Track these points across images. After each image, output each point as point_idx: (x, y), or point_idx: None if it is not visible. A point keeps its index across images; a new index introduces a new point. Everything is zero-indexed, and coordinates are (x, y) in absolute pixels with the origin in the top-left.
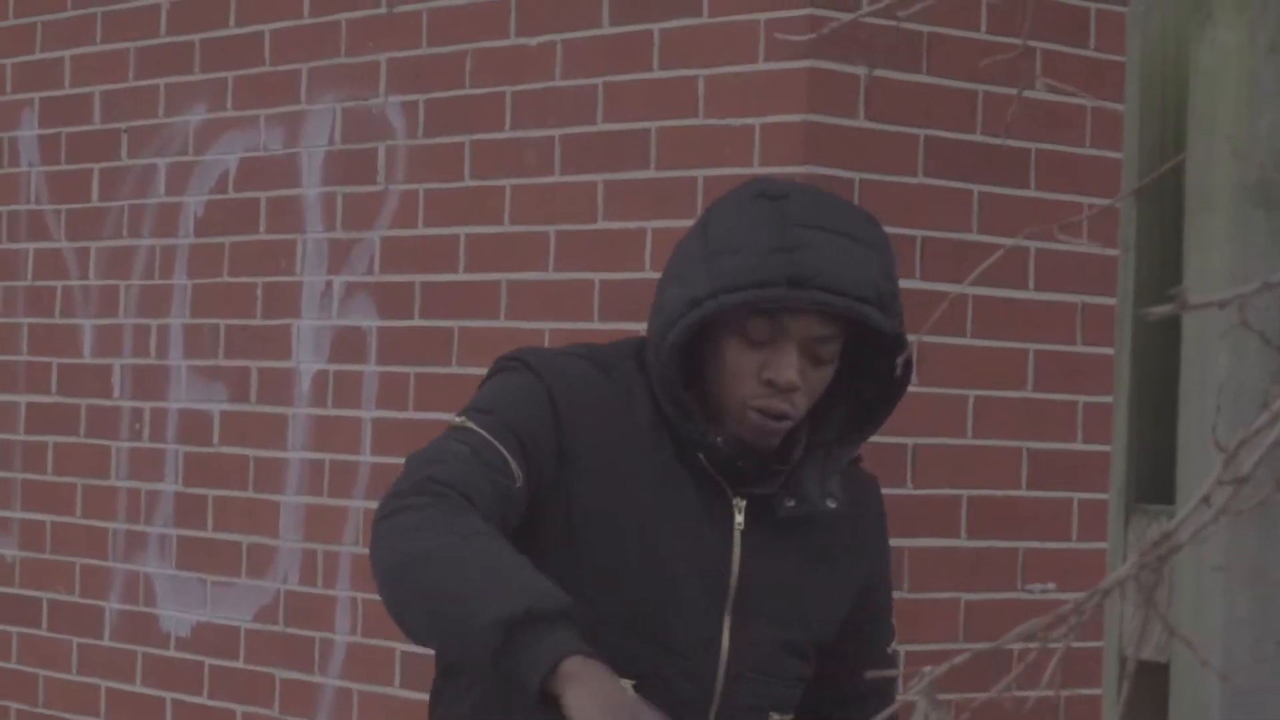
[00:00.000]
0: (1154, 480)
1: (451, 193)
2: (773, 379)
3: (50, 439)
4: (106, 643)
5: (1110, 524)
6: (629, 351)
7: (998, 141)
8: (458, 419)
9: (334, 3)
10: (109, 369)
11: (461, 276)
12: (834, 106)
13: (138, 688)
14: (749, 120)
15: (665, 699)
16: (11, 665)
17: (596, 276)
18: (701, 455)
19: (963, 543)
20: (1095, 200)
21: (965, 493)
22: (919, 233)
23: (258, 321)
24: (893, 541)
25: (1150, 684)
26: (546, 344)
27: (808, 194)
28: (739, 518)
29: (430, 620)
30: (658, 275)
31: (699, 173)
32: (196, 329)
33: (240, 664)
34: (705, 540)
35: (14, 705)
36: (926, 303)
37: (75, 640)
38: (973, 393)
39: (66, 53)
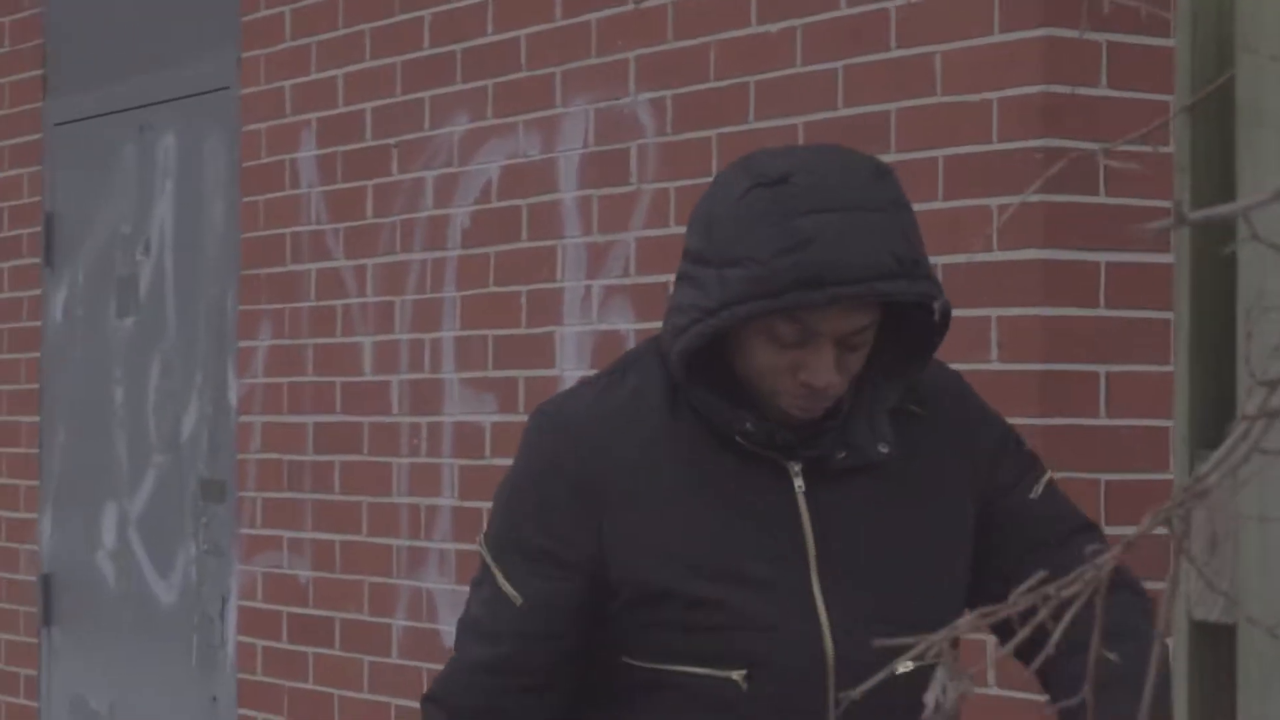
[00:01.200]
0: (1220, 424)
1: (700, 189)
2: (809, 381)
3: (336, 458)
4: (394, 660)
5: (1175, 473)
6: (652, 349)
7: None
8: (484, 552)
9: (584, 2)
10: (388, 385)
11: None
12: (1073, 75)
13: None
14: (986, 95)
15: (779, 682)
16: (309, 686)
17: None
18: (739, 439)
19: None
20: None
21: None
22: (1170, 204)
23: (523, 330)
24: None
25: (1223, 646)
26: None
27: (807, 167)
28: (798, 482)
29: None
30: None
31: (939, 153)
32: (467, 341)
33: None
34: (769, 516)
35: None
36: None
37: (366, 659)
38: None
39: (339, 71)
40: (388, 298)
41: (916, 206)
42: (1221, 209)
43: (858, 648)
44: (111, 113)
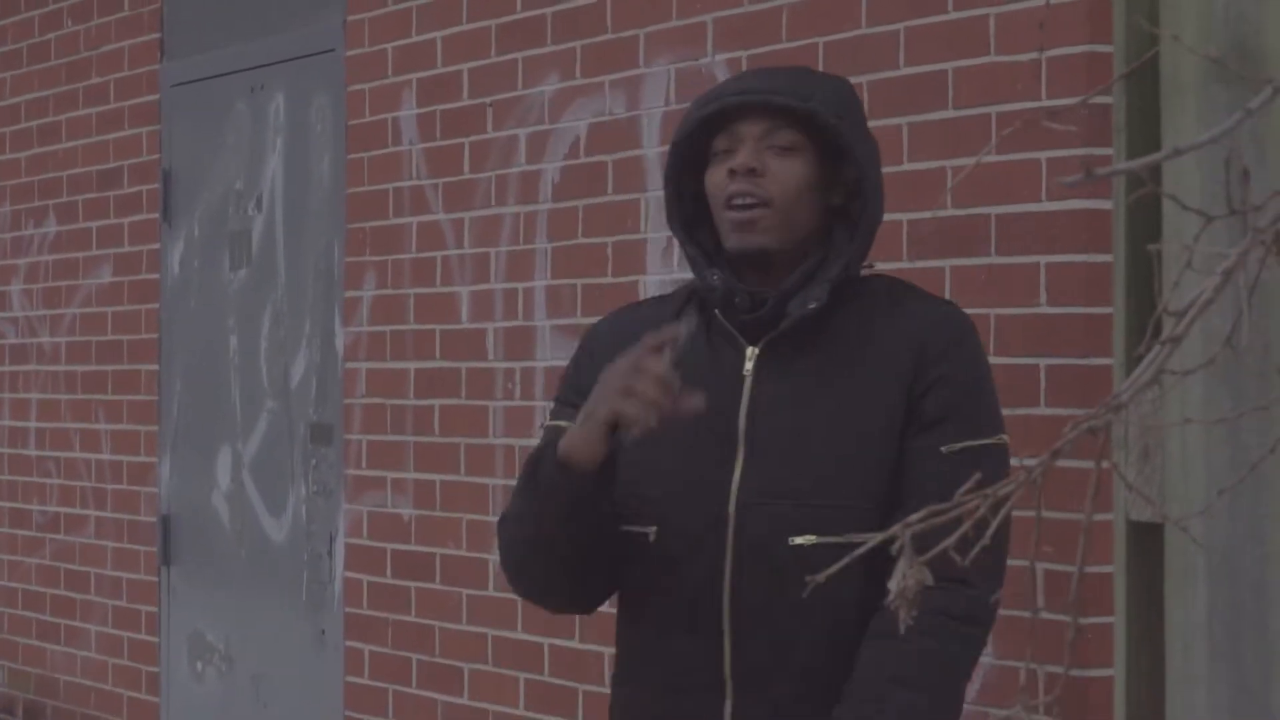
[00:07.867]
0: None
1: None
2: (731, 167)
3: (436, 402)
4: (491, 593)
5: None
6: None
7: None
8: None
9: None
10: (483, 333)
11: None
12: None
13: (519, 634)
14: (1035, 55)
15: (682, 539)
16: (411, 618)
17: (904, 217)
18: (716, 312)
19: None
20: None
21: None
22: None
23: (609, 280)
24: None
25: (1156, 543)
26: None
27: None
28: (748, 365)
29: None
30: (960, 213)
31: (992, 109)
32: (557, 290)
33: (608, 608)
34: (717, 396)
35: (415, 656)
36: None
37: (464, 592)
38: None
39: (438, 34)
40: (483, 249)
41: (972, 161)
42: (1120, 166)
43: (751, 520)
44: (225, 74)
